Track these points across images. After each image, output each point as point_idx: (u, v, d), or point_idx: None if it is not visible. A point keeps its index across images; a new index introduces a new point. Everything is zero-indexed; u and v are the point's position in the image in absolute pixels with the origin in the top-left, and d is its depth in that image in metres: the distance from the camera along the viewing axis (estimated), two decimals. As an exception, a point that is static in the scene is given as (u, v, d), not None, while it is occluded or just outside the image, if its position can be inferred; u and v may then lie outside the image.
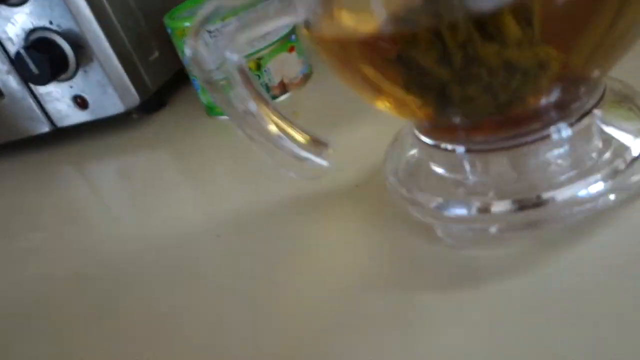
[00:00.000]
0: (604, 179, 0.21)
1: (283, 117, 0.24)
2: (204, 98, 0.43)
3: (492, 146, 0.22)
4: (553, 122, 0.21)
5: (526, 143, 0.22)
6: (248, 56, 0.40)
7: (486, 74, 0.18)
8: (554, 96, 0.20)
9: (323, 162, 0.25)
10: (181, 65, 0.47)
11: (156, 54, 0.48)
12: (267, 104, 0.24)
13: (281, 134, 0.24)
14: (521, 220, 0.22)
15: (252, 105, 0.24)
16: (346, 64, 0.22)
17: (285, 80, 0.42)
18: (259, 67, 0.41)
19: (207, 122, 0.44)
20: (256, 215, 0.30)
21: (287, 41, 0.42)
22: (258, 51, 0.40)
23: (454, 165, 0.23)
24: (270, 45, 0.40)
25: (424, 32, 0.18)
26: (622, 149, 0.22)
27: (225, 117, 0.43)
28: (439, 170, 0.24)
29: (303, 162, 0.24)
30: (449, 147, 0.23)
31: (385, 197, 0.27)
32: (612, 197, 0.21)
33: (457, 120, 0.21)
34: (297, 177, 0.25)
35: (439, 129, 0.23)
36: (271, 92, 0.42)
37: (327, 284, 0.24)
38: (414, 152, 0.26)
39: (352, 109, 0.37)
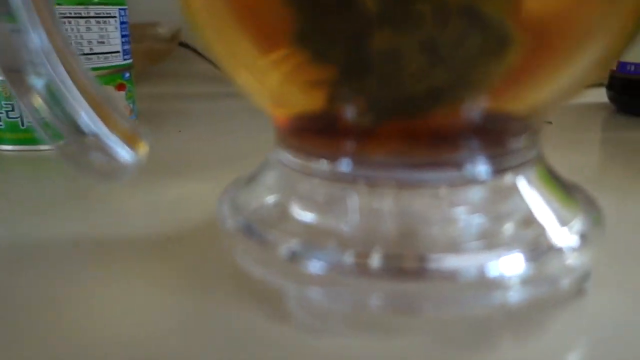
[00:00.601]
0: (525, 260, 0.15)
1: (87, 76, 0.15)
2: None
3: (385, 175, 0.15)
4: (471, 159, 0.15)
5: (431, 181, 0.15)
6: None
7: (432, 15, 0.11)
8: (488, 110, 0.14)
9: (128, 156, 0.15)
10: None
11: None
12: (66, 44, 0.15)
13: (79, 98, 0.15)
14: (408, 294, 0.15)
15: (38, 35, 0.14)
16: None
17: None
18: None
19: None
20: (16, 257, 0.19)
21: (118, 75, 0.33)
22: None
23: (326, 201, 0.16)
24: (95, 69, 0.31)
25: None
26: (546, 233, 0.16)
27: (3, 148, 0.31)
28: (304, 213, 0.16)
29: (101, 148, 0.15)
30: (325, 166, 0.15)
31: (212, 253, 0.18)
32: (527, 289, 0.15)
33: (354, 106, 0.14)
34: (83, 172, 0.15)
35: (319, 130, 0.15)
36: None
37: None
38: (268, 197, 0.18)
39: (177, 167, 0.28)
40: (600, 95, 0.41)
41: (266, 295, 0.15)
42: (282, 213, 0.16)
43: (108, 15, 0.32)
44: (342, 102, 0.14)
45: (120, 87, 0.33)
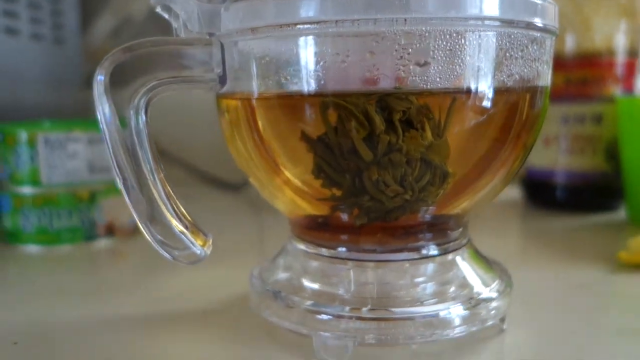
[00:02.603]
0: (463, 309, 0.23)
1: (169, 191, 0.23)
2: (10, 221, 0.37)
3: (367, 257, 0.23)
4: (425, 245, 0.23)
5: (399, 260, 0.23)
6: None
7: (404, 162, 0.20)
8: (436, 214, 0.23)
9: (197, 250, 0.22)
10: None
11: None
12: (160, 168, 0.23)
13: (168, 206, 0.22)
14: (388, 333, 0.22)
15: (148, 164, 0.22)
16: (251, 135, 0.22)
17: (116, 223, 0.39)
18: (93, 199, 0.38)
19: (4, 252, 0.37)
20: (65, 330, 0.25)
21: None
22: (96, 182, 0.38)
23: (326, 275, 0.23)
24: (110, 181, 0.38)
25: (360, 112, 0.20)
26: (475, 290, 0.24)
27: (28, 247, 0.37)
28: (312, 284, 0.24)
29: (180, 243, 0.22)
30: (325, 252, 0.23)
31: (245, 320, 0.25)
32: (465, 327, 0.22)
33: (350, 213, 0.22)
34: (170, 258, 0.22)
35: (321, 229, 0.23)
36: (96, 230, 0.38)
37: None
38: (286, 273, 0.25)
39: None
40: (516, 193, 0.52)
41: (293, 340, 0.22)
42: (297, 283, 0.24)
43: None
44: (342, 211, 0.22)
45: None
